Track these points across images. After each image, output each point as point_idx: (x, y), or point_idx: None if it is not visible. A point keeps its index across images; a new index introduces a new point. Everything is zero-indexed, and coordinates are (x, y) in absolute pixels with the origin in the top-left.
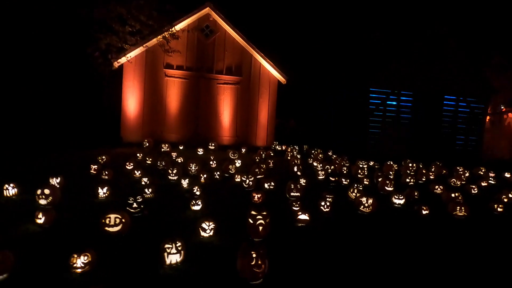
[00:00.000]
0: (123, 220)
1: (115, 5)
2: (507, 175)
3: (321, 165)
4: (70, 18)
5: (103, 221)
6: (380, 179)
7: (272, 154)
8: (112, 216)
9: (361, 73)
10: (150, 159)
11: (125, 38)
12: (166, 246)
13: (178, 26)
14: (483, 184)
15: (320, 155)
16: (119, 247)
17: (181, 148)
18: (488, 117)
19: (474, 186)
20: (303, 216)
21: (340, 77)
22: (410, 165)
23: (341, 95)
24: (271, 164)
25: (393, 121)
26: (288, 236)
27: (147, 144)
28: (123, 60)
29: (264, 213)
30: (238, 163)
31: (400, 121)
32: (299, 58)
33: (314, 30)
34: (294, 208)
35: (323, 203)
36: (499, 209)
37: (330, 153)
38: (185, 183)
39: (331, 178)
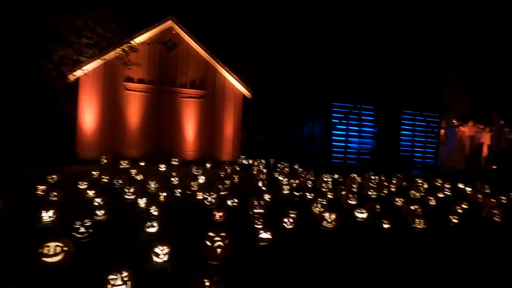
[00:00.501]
0: (65, 249)
1: (70, 15)
2: (461, 186)
3: (286, 179)
4: (21, 28)
5: (41, 250)
6: (343, 193)
7: (238, 168)
8: (52, 244)
9: (325, 88)
10: (107, 177)
11: (81, 50)
12: (110, 277)
13: (139, 39)
14: (440, 195)
15: (286, 169)
16: (58, 280)
17: (142, 164)
18: (442, 131)
19: (431, 198)
20: (265, 235)
21: (305, 92)
22: (373, 177)
23: (306, 109)
24: (236, 180)
25: (357, 134)
26: (248, 257)
27: (105, 161)
28: (79, 73)
29: (223, 234)
30: (201, 179)
31: (362, 134)
32: (266, 73)
33: (281, 46)
34: (256, 226)
35: (286, 220)
36: (454, 220)
37: (296, 167)
38: (142, 202)
39: (295, 193)
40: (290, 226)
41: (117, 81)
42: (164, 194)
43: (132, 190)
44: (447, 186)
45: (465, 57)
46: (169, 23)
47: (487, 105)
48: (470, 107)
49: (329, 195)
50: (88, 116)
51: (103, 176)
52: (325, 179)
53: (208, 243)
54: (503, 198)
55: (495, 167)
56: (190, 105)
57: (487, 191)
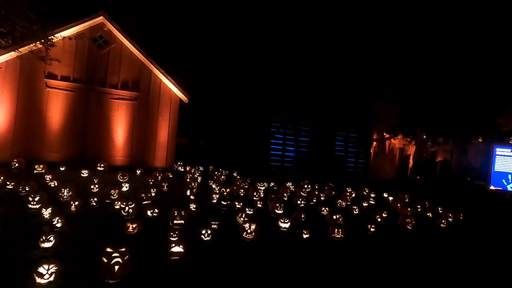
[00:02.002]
0: None
1: None
2: (385, 195)
3: (218, 187)
4: None
5: None
6: (271, 202)
7: (170, 176)
8: None
9: (264, 97)
10: (12, 183)
11: None
12: None
13: (65, 33)
14: (364, 204)
15: (223, 177)
16: None
17: (62, 169)
18: (374, 143)
19: (355, 207)
20: (177, 248)
21: (247, 100)
22: (306, 186)
23: (246, 116)
24: (165, 188)
25: (293, 143)
26: (153, 274)
27: (17, 165)
28: None
29: (123, 249)
30: (125, 187)
31: (299, 144)
32: (210, 78)
33: (225, 51)
34: (171, 238)
35: (203, 231)
36: (371, 229)
37: (235, 174)
38: (46, 213)
39: (222, 202)
40: (208, 238)
41: (37, 77)
42: (76, 203)
43: (37, 198)
44: (373, 195)
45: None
46: (100, 18)
47: (413, 120)
48: (400, 122)
49: (259, 204)
50: None
51: (8, 182)
52: (258, 187)
53: (105, 260)
54: (419, 206)
55: (418, 177)
56: (121, 107)
57: (407, 200)
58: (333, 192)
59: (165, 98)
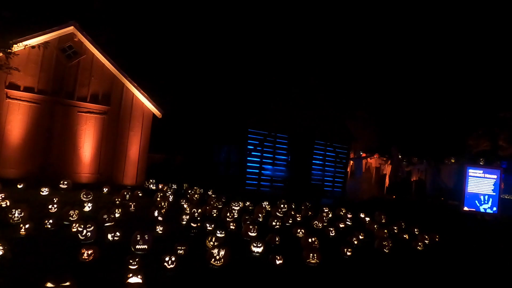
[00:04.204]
0: None
1: None
2: (362, 215)
3: (190, 207)
4: None
5: None
6: (245, 224)
7: (140, 194)
8: None
9: (242, 114)
10: None
11: None
12: None
13: (31, 41)
14: (341, 225)
15: (197, 196)
16: None
17: (20, 187)
18: (351, 162)
19: (332, 229)
20: (134, 279)
21: (223, 116)
22: (282, 206)
23: (224, 133)
24: (132, 208)
25: (271, 161)
26: None
27: None
28: None
29: (67, 283)
30: (88, 207)
31: (276, 162)
32: (189, 94)
33: (203, 68)
34: (129, 267)
35: (167, 258)
36: (348, 253)
37: (210, 193)
38: None
39: (192, 224)
40: (172, 266)
41: None
42: (27, 225)
43: None
44: (349, 215)
45: (369, 96)
46: (70, 28)
47: (389, 140)
48: (377, 141)
49: (232, 226)
50: None
51: None
52: (232, 207)
53: None
54: (395, 227)
55: (394, 196)
56: (90, 121)
57: (383, 221)
58: (310, 213)
59: (137, 113)
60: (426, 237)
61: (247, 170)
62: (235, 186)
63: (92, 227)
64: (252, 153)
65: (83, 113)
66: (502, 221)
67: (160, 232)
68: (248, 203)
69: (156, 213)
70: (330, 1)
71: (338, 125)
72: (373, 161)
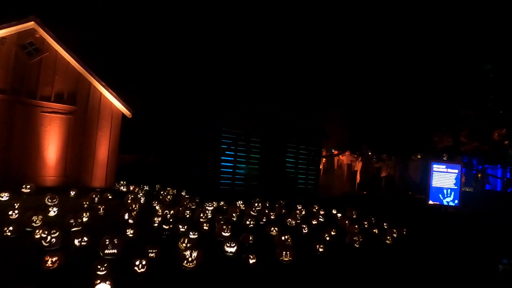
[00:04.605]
0: None
1: None
2: (334, 211)
3: (162, 209)
4: None
5: None
6: (218, 224)
7: (110, 197)
8: None
9: (215, 113)
10: None
11: None
12: None
13: None
14: (314, 222)
15: (169, 197)
16: None
17: None
18: (323, 159)
19: (305, 226)
20: (103, 285)
21: (197, 115)
22: (256, 205)
23: (197, 132)
24: (101, 211)
25: (245, 160)
26: None
27: None
28: None
29: None
30: (53, 212)
31: (250, 161)
32: (161, 93)
33: (175, 67)
34: (97, 273)
35: (137, 262)
36: (320, 249)
37: (183, 193)
38: None
39: (164, 226)
40: (142, 270)
41: None
42: None
43: None
44: (322, 212)
45: (341, 96)
46: (31, 24)
47: (359, 137)
48: (347, 139)
49: (205, 227)
50: None
51: None
52: (206, 207)
53: None
54: (366, 222)
55: (365, 192)
56: (54, 121)
57: (354, 216)
58: (284, 210)
59: (105, 113)
60: (395, 231)
61: (221, 169)
62: (209, 186)
63: (57, 233)
64: (226, 152)
65: (47, 113)
66: (462, 212)
67: (130, 235)
68: (222, 203)
69: (126, 216)
70: (301, 1)
71: (311, 124)
72: (344, 158)
